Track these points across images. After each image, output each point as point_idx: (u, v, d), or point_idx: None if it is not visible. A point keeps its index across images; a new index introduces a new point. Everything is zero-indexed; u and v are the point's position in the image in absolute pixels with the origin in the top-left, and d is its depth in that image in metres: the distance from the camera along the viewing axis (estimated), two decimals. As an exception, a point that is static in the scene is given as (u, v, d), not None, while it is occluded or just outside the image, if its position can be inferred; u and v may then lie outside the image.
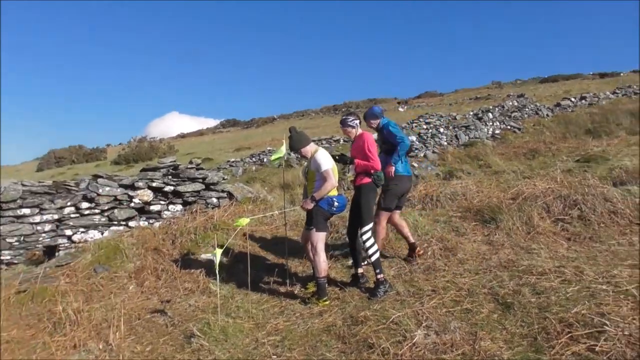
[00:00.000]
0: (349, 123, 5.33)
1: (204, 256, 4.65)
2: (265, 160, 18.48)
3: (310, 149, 5.09)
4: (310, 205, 4.91)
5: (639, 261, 4.82)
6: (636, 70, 51.02)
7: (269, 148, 22.00)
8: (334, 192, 5.02)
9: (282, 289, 5.44)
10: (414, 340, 3.70)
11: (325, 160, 4.91)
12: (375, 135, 5.63)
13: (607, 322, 3.51)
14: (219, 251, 4.59)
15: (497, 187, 8.09)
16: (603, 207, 6.22)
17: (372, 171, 5.10)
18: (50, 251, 6.83)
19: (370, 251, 4.99)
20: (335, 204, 4.95)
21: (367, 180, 5.13)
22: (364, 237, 5.04)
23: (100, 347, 4.31)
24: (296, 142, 5.08)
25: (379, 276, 4.94)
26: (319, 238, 4.95)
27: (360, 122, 5.41)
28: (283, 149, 5.54)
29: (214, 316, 4.63)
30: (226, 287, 5.55)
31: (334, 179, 4.87)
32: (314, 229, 4.95)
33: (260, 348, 4.09)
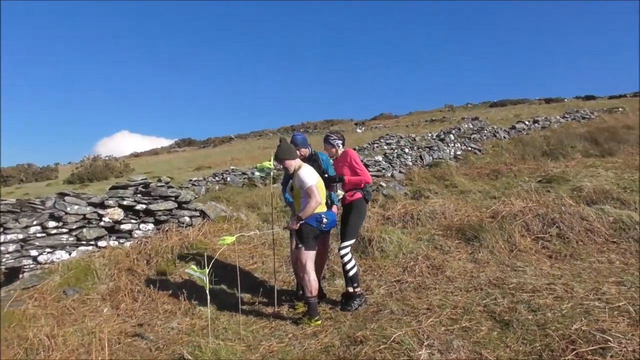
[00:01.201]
0: (330, 141, 5.38)
1: (194, 274, 4.43)
2: (228, 179, 18.14)
3: (294, 163, 4.90)
4: (297, 226, 4.78)
5: (622, 278, 4.95)
6: (579, 96, 53.80)
7: (232, 167, 21.67)
8: (323, 208, 4.90)
9: (269, 310, 5.25)
10: (420, 360, 3.62)
11: (309, 177, 4.75)
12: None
13: (610, 339, 3.55)
14: (206, 271, 4.38)
15: (470, 206, 8.20)
16: (580, 226, 6.40)
17: (362, 185, 5.14)
18: (11, 273, 6.38)
19: (348, 266, 5.04)
20: (324, 220, 4.82)
21: (358, 195, 5.14)
22: (342, 252, 5.05)
23: (82, 374, 4.04)
24: (282, 152, 4.89)
25: (356, 290, 5.03)
26: (308, 257, 4.83)
27: (343, 143, 5.42)
28: (268, 164, 5.36)
29: (203, 339, 4.40)
30: (209, 308, 5.31)
31: (318, 195, 4.69)
32: (303, 248, 4.81)
33: (257, 371, 3.92)
